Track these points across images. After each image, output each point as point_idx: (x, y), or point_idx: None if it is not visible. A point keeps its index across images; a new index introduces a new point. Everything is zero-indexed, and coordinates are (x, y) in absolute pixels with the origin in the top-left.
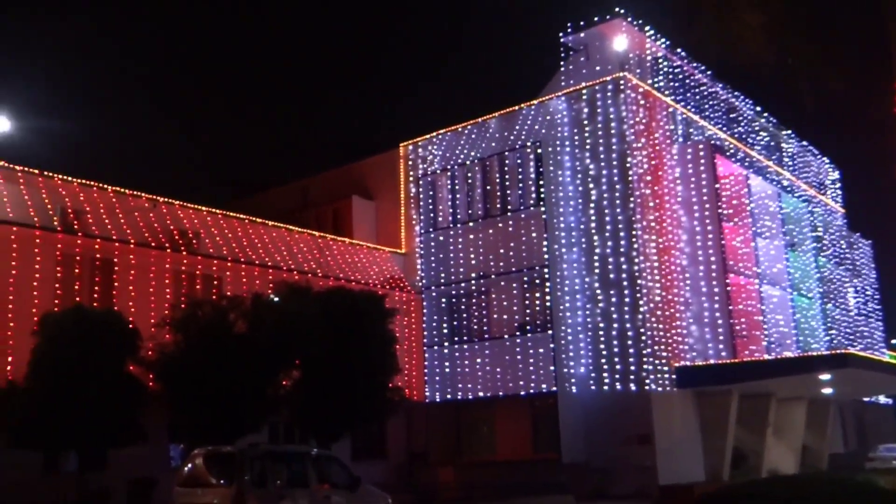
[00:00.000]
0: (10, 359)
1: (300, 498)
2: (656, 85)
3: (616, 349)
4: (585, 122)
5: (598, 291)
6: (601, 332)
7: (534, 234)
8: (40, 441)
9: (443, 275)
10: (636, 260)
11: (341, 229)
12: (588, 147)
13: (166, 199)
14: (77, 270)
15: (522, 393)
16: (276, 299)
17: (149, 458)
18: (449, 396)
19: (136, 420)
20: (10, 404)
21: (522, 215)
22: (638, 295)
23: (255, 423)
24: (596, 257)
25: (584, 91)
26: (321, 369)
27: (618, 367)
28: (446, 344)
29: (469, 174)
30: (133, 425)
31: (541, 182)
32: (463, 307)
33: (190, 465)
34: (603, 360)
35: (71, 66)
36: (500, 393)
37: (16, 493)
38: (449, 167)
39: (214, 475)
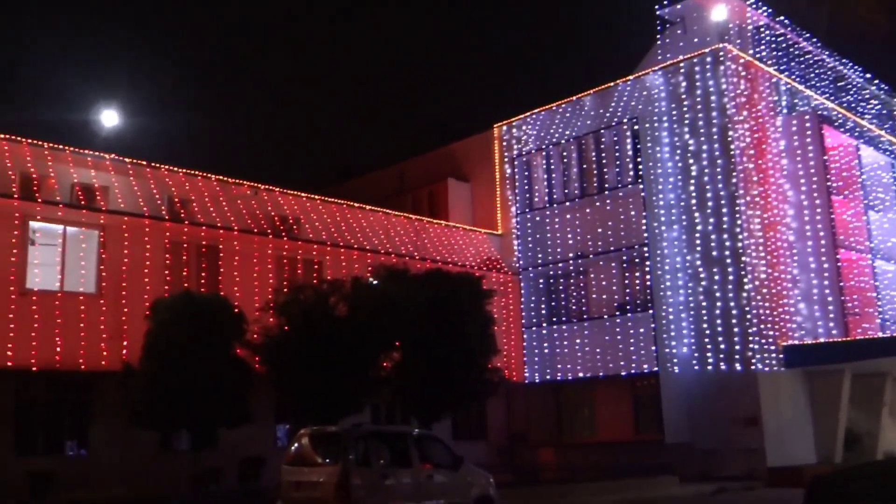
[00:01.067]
0: (125, 342)
1: (403, 477)
2: (758, 55)
3: (720, 328)
4: (684, 96)
5: (701, 269)
6: (704, 311)
7: (632, 213)
8: (155, 421)
9: (540, 255)
10: (740, 236)
11: (437, 212)
12: (687, 122)
13: (267, 187)
14: (184, 257)
15: (623, 373)
16: (375, 282)
17: (257, 438)
18: (548, 377)
19: (245, 401)
20: (126, 386)
21: (620, 193)
22: (742, 272)
23: (358, 404)
24: (697, 234)
25: (681, 64)
26: (421, 351)
27: (722, 346)
28: (545, 325)
29: (564, 153)
30: (241, 406)
31: (639, 159)
32: (561, 287)
33: (296, 445)
34: (706, 340)
35: (173, 57)
36: (601, 373)
37: (134, 470)
38: (544, 147)
39: (320, 454)
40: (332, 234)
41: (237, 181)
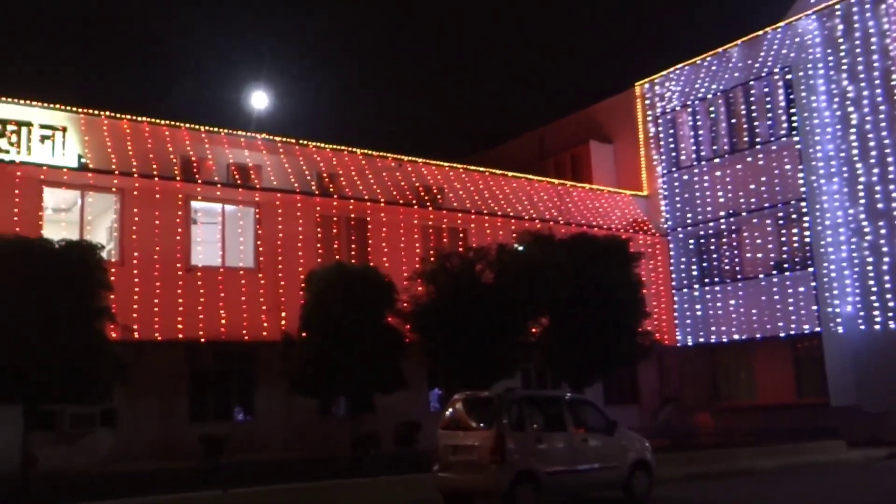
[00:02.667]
0: (283, 313)
1: (557, 441)
2: None
3: (888, 285)
4: (841, 40)
5: (865, 223)
6: (870, 267)
7: (787, 167)
8: (314, 388)
9: (689, 215)
10: None
11: (580, 175)
12: (845, 67)
13: (411, 158)
14: (335, 230)
15: (782, 335)
16: (521, 248)
17: (411, 403)
18: (702, 340)
19: (399, 368)
20: (287, 355)
21: (773, 147)
22: None
23: (508, 369)
24: (860, 187)
25: (837, 6)
26: (569, 315)
27: (891, 304)
28: (696, 286)
29: (711, 108)
30: (396, 372)
31: (792, 110)
32: (712, 247)
33: (451, 410)
34: (873, 298)
35: (317, 34)
36: (758, 335)
37: (296, 435)
38: (689, 103)
39: (474, 419)
40: (475, 202)
41: (382, 154)
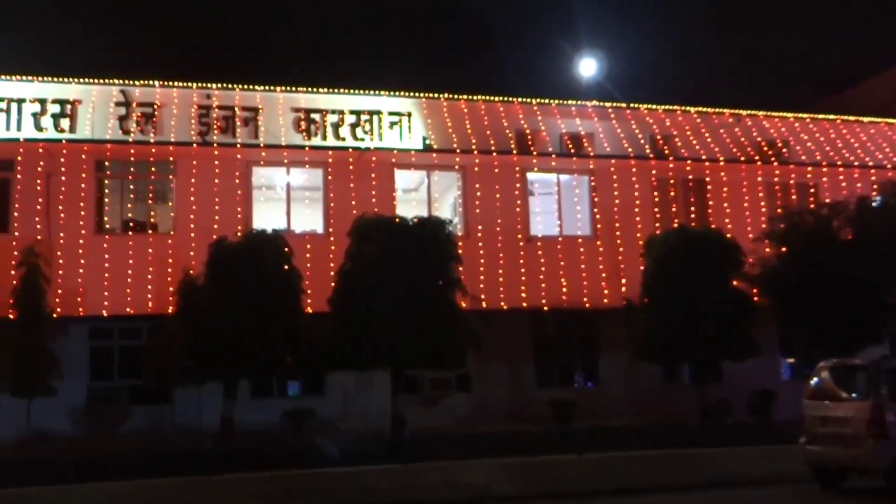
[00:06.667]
0: (623, 280)
1: None
2: None
3: None
4: None
5: None
6: None
7: None
8: (658, 355)
9: None
10: None
11: None
12: None
13: (750, 112)
14: (671, 193)
15: None
16: (885, 200)
17: (761, 371)
18: None
19: (749, 334)
20: (630, 322)
21: None
22: None
23: (874, 334)
24: None
25: None
26: None
27: None
28: None
29: None
30: (746, 339)
31: None
32: None
33: (817, 379)
34: None
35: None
36: None
37: (641, 401)
38: None
39: (844, 388)
40: (826, 154)
41: (717, 110)
